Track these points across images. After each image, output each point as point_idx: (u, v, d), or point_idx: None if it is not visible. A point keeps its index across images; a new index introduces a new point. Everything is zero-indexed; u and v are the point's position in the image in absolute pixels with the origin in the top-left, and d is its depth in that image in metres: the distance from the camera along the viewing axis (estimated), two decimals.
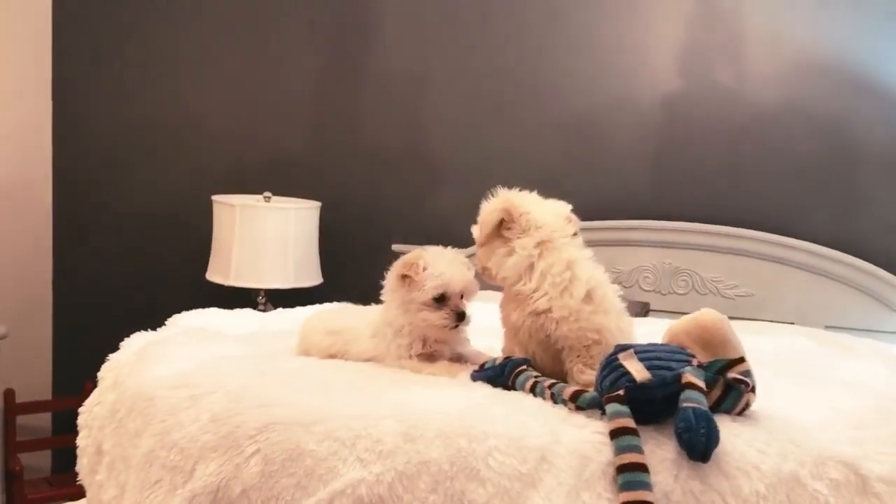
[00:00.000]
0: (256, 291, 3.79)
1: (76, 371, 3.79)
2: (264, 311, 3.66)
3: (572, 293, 1.91)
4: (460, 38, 3.87)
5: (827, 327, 3.33)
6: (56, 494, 3.83)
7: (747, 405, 1.69)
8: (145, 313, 2.79)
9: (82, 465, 2.02)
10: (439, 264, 2.02)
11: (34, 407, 4.13)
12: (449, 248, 2.12)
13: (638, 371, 1.59)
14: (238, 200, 3.71)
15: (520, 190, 2.12)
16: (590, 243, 3.62)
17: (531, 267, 1.93)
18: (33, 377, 4.32)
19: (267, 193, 3.79)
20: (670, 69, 3.63)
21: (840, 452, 1.62)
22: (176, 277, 4.24)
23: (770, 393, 1.86)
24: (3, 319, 3.98)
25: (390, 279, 2.07)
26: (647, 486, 1.49)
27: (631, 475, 1.50)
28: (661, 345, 1.71)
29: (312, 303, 3.05)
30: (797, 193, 3.50)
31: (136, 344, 2.19)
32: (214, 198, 3.77)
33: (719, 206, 3.56)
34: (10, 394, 4.07)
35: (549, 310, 1.89)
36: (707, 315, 1.72)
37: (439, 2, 3.89)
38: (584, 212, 3.60)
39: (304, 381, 1.83)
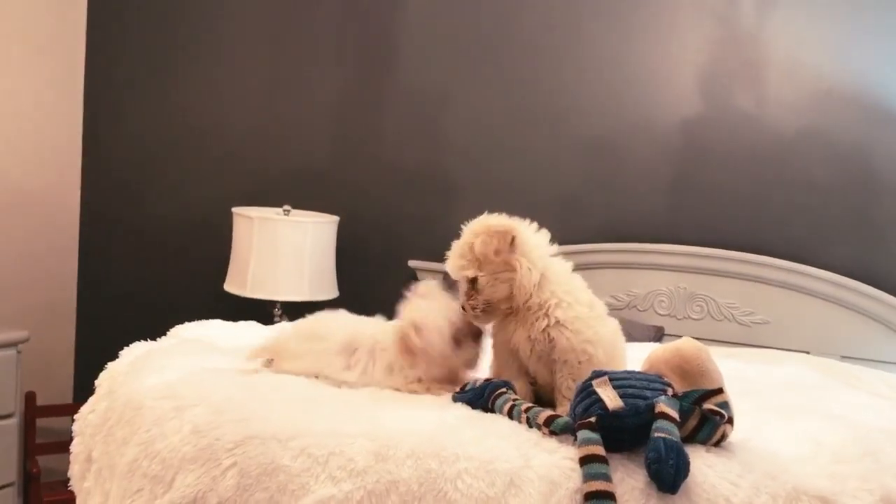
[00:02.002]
0: (273, 303, 3.83)
1: (97, 376, 3.84)
2: (279, 321, 3.71)
3: (579, 300, 1.98)
4: (481, 59, 3.89)
5: (843, 357, 3.30)
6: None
7: (724, 436, 1.68)
8: (166, 320, 2.82)
9: (73, 472, 2.07)
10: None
11: (55, 410, 4.20)
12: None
13: (611, 399, 1.59)
14: (256, 213, 3.75)
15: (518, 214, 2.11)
16: (606, 265, 3.68)
17: (541, 281, 1.95)
18: (55, 381, 4.39)
19: (286, 206, 3.83)
20: (690, 93, 3.62)
21: (816, 487, 1.61)
22: (197, 286, 4.30)
23: (753, 424, 1.85)
24: (27, 323, 4.06)
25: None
26: None
27: (598, 503, 1.50)
28: (638, 372, 1.71)
29: None
30: (816, 221, 3.47)
31: (134, 353, 2.23)
32: (234, 209, 3.82)
33: (737, 232, 3.54)
34: (31, 397, 4.15)
35: (559, 320, 1.92)
36: (686, 344, 1.72)
37: (461, 23, 3.92)
38: (602, 233, 3.68)
39: (285, 395, 1.86)
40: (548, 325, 1.92)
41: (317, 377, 2.05)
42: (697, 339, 3.44)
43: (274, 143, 4.24)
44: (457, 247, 2.01)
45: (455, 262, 2.00)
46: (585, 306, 1.99)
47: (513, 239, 1.95)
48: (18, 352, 3.85)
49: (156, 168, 4.44)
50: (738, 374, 2.53)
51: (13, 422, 3.86)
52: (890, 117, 3.37)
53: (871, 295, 3.33)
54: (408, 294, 2.15)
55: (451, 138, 3.96)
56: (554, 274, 1.99)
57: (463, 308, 2.00)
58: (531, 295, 1.94)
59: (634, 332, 3.40)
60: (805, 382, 2.48)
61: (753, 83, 3.54)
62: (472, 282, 1.96)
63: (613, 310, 3.54)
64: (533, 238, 2.01)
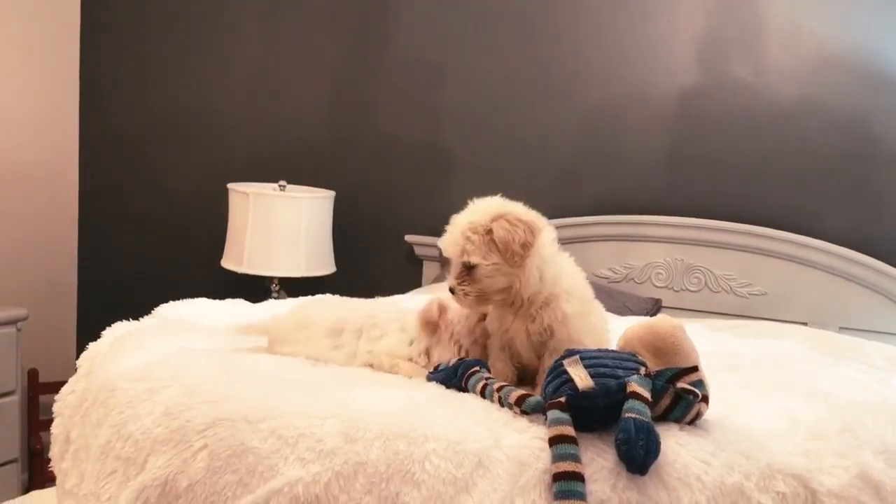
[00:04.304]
0: (271, 279, 3.82)
1: None
2: (277, 298, 3.71)
3: (582, 295, 1.94)
4: (477, 30, 3.85)
5: (841, 328, 3.27)
6: None
7: (699, 415, 1.65)
8: (166, 296, 2.81)
9: (54, 453, 2.06)
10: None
11: (57, 387, 4.15)
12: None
13: (581, 378, 1.57)
14: (252, 188, 3.74)
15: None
16: (603, 237, 3.65)
17: (550, 274, 1.89)
18: (57, 358, 4.41)
19: (282, 182, 3.82)
20: (687, 63, 3.57)
21: (791, 465, 1.58)
22: (196, 263, 4.30)
23: (734, 401, 1.83)
24: (29, 300, 4.08)
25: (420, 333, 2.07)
26: (580, 495, 1.47)
27: (565, 484, 1.48)
28: (612, 351, 1.68)
29: (325, 291, 3.04)
30: (814, 191, 3.43)
31: (115, 333, 2.23)
32: (230, 185, 3.81)
33: (734, 203, 3.51)
34: (33, 374, 4.18)
35: (566, 315, 1.87)
36: (661, 322, 1.69)
37: None
38: (599, 205, 3.65)
39: (259, 377, 1.84)
40: (552, 319, 1.86)
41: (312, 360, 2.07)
42: (695, 311, 3.46)
43: (269, 118, 4.22)
44: (461, 224, 1.84)
45: (458, 241, 1.84)
46: (586, 300, 1.96)
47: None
48: (18, 329, 3.87)
49: (153, 145, 4.43)
50: (726, 348, 2.51)
51: (14, 399, 3.88)
52: (890, 85, 3.31)
53: (870, 265, 3.30)
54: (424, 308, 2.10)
55: (447, 111, 3.93)
56: (560, 267, 1.92)
57: (451, 290, 1.87)
58: (535, 287, 1.87)
59: (631, 305, 3.39)
60: (794, 357, 2.45)
61: (751, 51, 3.49)
62: (470, 268, 1.84)
63: (611, 282, 3.58)
64: (546, 231, 1.90)
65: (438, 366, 1.86)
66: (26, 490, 4.03)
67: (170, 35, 4.37)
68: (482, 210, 1.86)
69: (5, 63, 4.15)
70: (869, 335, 3.14)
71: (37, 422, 4.15)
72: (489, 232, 1.82)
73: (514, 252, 1.81)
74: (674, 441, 1.59)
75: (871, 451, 1.66)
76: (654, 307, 3.46)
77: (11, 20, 4.16)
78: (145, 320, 2.36)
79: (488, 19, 3.83)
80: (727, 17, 3.50)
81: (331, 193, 3.84)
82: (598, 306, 2.03)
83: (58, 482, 1.99)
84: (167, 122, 4.40)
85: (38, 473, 4.01)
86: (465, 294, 1.85)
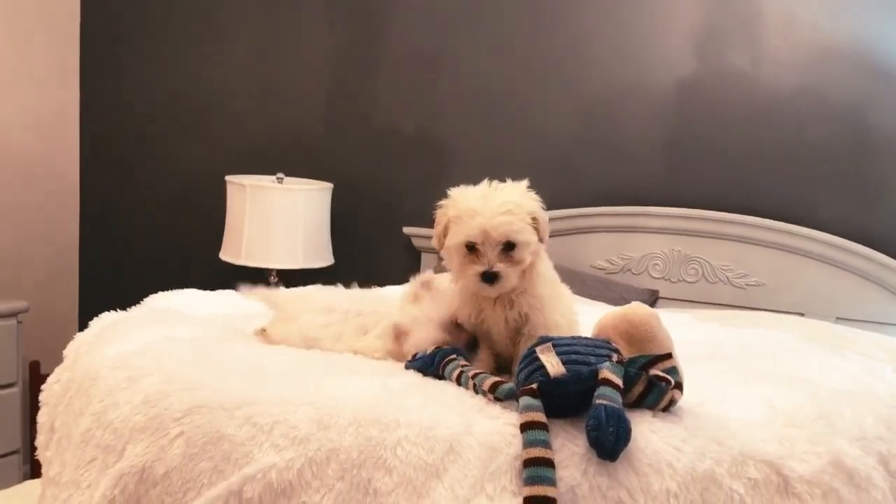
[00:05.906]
0: (269, 271, 3.83)
1: None
2: None
3: (552, 277, 1.97)
4: (474, 21, 3.85)
5: (838, 319, 3.26)
6: None
7: (672, 402, 1.66)
8: (165, 288, 2.81)
9: (39, 441, 2.09)
10: None
11: None
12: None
13: (553, 365, 1.57)
14: (249, 181, 3.75)
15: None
16: (600, 229, 3.65)
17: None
18: (57, 350, 4.38)
19: (280, 174, 3.83)
20: (685, 53, 3.56)
21: (763, 452, 1.59)
22: (195, 255, 4.32)
23: (714, 389, 1.83)
24: (30, 293, 4.11)
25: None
26: (550, 481, 1.48)
27: (535, 470, 1.49)
28: (585, 338, 1.69)
29: (323, 283, 3.04)
30: (812, 182, 3.41)
31: (102, 323, 2.25)
32: (227, 178, 3.82)
33: (732, 194, 3.49)
34: (34, 365, 4.21)
35: (542, 298, 1.89)
36: (635, 309, 1.69)
37: None
38: (596, 197, 3.65)
39: (239, 365, 1.86)
40: (529, 305, 1.88)
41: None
42: (692, 301, 3.45)
43: (267, 110, 4.23)
44: (502, 203, 1.82)
45: (507, 219, 1.81)
46: (556, 283, 1.99)
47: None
48: (19, 322, 3.90)
49: (153, 138, 4.46)
50: (713, 338, 2.51)
51: (16, 390, 3.92)
52: (887, 76, 3.29)
53: (866, 256, 3.28)
54: (412, 282, 2.11)
55: (444, 102, 3.93)
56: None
57: (489, 276, 1.82)
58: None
59: (628, 296, 3.39)
60: (782, 346, 2.45)
61: (749, 41, 3.47)
62: (510, 246, 1.83)
63: (608, 273, 3.58)
64: None
65: (416, 354, 1.87)
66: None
67: (168, 28, 4.38)
68: (506, 191, 1.87)
69: (6, 57, 4.18)
70: (866, 326, 3.13)
71: (38, 413, 4.17)
72: (529, 210, 1.85)
73: (544, 233, 1.88)
74: (646, 427, 1.59)
75: (847, 439, 1.66)
76: (652, 298, 3.46)
77: (12, 14, 4.19)
78: (133, 310, 2.38)
79: (486, 10, 3.83)
80: (725, 7, 3.49)
81: (328, 185, 3.85)
82: (565, 289, 2.05)
83: (43, 470, 2.02)
84: (166, 115, 4.42)
85: (39, 464, 4.03)
86: (512, 274, 1.84)
